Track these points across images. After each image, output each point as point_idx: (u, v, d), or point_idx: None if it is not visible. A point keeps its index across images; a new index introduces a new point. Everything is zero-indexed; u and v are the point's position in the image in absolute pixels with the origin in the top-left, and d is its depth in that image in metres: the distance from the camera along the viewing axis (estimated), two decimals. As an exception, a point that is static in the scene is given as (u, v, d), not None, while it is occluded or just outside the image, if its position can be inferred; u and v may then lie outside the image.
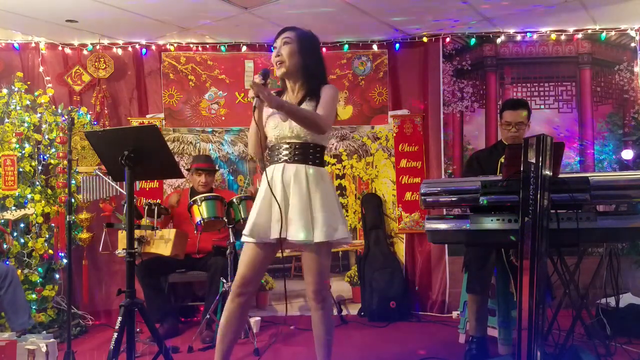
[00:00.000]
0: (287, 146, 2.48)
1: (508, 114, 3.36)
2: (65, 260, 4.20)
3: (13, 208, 3.91)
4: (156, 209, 3.70)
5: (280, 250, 2.48)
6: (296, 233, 2.40)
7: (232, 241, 3.73)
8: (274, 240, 2.44)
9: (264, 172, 2.48)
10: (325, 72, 2.60)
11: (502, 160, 3.34)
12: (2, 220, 3.86)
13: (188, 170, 4.38)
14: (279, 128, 2.48)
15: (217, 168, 4.51)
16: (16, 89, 4.26)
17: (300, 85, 2.53)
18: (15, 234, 4.04)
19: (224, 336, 2.55)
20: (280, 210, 2.39)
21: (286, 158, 2.47)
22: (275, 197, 2.40)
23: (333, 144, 4.87)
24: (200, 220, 3.75)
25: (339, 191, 4.87)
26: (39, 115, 4.32)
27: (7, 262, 3.91)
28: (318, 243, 2.41)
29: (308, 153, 2.48)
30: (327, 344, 2.58)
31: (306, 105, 2.46)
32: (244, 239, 2.52)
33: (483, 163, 3.45)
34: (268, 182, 2.43)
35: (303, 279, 2.63)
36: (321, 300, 2.51)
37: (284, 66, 2.48)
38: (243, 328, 2.89)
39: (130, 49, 4.79)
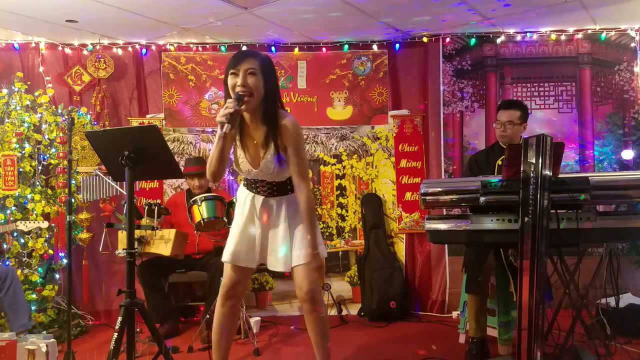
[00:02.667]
0: (265, 183, 2.54)
1: (500, 113, 3.45)
2: (65, 260, 4.19)
3: (32, 222, 3.91)
4: (156, 209, 3.70)
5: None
6: (275, 263, 2.54)
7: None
8: (254, 266, 2.60)
9: (239, 194, 2.64)
10: (280, 94, 2.53)
11: (500, 162, 3.35)
12: (15, 232, 3.90)
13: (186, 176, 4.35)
14: (252, 175, 2.53)
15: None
16: (16, 89, 4.26)
17: (260, 116, 2.43)
18: (15, 234, 4.04)
19: (219, 340, 2.56)
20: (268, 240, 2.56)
21: (266, 193, 2.55)
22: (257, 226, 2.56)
23: (333, 144, 4.87)
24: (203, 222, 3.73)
25: (338, 191, 4.87)
26: (39, 115, 4.32)
27: (7, 263, 3.91)
28: (300, 264, 2.50)
29: (286, 187, 2.56)
30: (324, 346, 2.57)
31: (271, 154, 2.41)
32: (225, 259, 2.60)
33: (480, 165, 3.47)
34: (254, 208, 2.56)
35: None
36: (313, 302, 2.53)
37: (252, 99, 2.35)
38: (236, 328, 2.90)
39: (130, 49, 4.79)
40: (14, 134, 4.15)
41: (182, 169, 4.34)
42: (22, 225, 3.78)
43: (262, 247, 2.56)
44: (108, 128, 4.51)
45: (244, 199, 2.61)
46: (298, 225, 2.52)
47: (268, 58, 2.45)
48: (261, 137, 2.44)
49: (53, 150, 4.33)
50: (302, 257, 2.49)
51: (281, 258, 2.52)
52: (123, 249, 3.30)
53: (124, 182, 2.47)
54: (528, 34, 4.69)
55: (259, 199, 2.56)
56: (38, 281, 4.07)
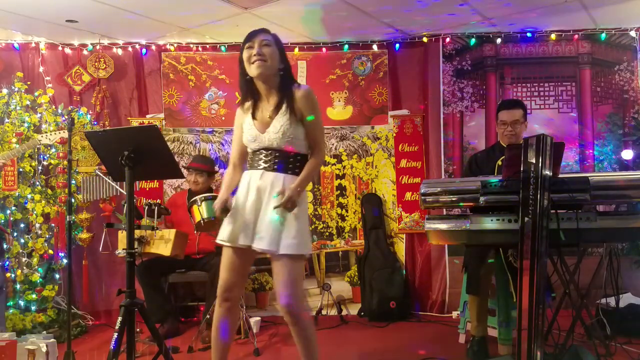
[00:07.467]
0: (266, 153, 2.45)
1: (503, 113, 3.40)
2: (65, 260, 4.20)
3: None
4: (156, 209, 3.70)
5: (259, 255, 2.49)
6: (260, 241, 2.37)
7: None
8: (244, 246, 2.41)
9: (241, 180, 2.52)
10: (291, 68, 2.60)
11: (500, 162, 3.35)
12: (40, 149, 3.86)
13: (186, 169, 4.35)
14: (258, 141, 2.46)
15: (213, 170, 4.40)
16: (16, 89, 4.26)
17: (275, 89, 2.49)
18: (15, 234, 4.04)
19: (218, 340, 2.54)
20: (255, 218, 2.39)
21: (265, 165, 2.44)
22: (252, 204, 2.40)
23: (333, 144, 4.87)
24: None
25: (338, 191, 4.87)
26: (39, 115, 4.32)
27: (8, 263, 3.90)
28: (287, 254, 2.36)
29: (287, 162, 2.45)
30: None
31: (282, 114, 2.42)
32: (218, 241, 2.49)
33: (480, 164, 3.46)
34: (247, 188, 2.44)
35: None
36: (293, 316, 2.40)
37: (264, 65, 2.42)
38: (235, 330, 2.87)
39: (130, 49, 4.79)
40: (14, 134, 4.15)
41: (187, 164, 4.38)
42: (45, 139, 3.70)
43: (253, 223, 2.39)
44: (108, 128, 4.50)
45: (246, 181, 2.50)
46: (295, 214, 2.38)
47: (278, 37, 2.55)
48: (274, 104, 2.47)
49: (53, 150, 4.33)
50: (291, 247, 2.35)
51: (267, 235, 2.35)
52: (123, 249, 3.29)
53: (124, 182, 2.47)
54: (528, 34, 4.69)
55: (257, 173, 2.45)
56: (38, 281, 4.07)
